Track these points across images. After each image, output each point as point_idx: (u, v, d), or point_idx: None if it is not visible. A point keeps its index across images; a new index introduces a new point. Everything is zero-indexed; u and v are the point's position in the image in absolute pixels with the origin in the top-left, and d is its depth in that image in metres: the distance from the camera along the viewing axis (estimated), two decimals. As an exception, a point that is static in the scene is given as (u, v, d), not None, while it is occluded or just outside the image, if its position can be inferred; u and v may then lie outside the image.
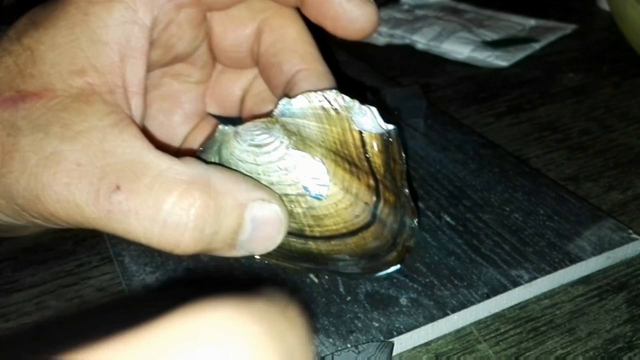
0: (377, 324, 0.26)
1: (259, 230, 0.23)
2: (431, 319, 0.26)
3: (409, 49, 0.57)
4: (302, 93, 0.24)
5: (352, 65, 0.51)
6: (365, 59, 0.53)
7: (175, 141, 0.30)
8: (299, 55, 0.27)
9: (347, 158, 0.25)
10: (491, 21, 0.60)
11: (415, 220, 0.26)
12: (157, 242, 0.21)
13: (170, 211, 0.21)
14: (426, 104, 0.42)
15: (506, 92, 0.48)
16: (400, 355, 0.26)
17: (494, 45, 0.55)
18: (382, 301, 0.27)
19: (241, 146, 0.24)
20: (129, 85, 0.24)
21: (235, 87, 0.30)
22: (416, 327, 0.26)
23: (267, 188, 0.23)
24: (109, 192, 0.21)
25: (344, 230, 0.26)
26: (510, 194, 0.34)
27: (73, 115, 0.22)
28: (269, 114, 0.25)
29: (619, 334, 0.26)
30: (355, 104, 0.24)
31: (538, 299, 0.28)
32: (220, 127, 0.24)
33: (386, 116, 0.24)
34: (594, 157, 0.39)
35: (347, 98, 0.24)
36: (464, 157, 0.38)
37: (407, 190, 0.25)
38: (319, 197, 0.25)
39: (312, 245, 0.26)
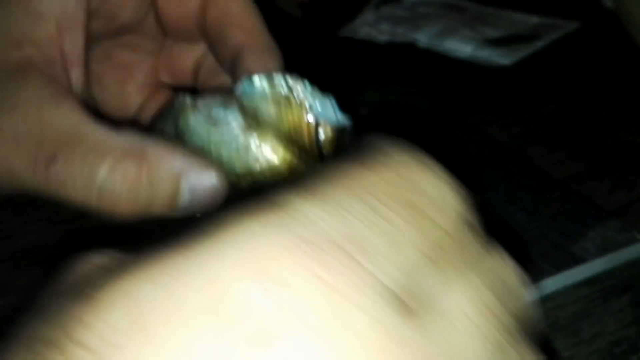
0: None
1: (197, 197, 0.24)
2: (433, 321, 0.26)
3: (410, 47, 0.56)
4: (265, 74, 0.24)
5: (353, 64, 0.51)
6: (367, 57, 0.53)
7: (130, 110, 0.30)
8: (244, 29, 0.28)
9: (298, 143, 0.25)
10: (494, 19, 0.60)
11: None
12: (96, 208, 0.22)
13: (104, 180, 0.22)
14: (427, 103, 0.42)
15: (509, 91, 0.48)
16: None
17: (496, 43, 0.55)
18: None
19: (197, 118, 0.25)
20: (68, 57, 0.24)
21: (188, 58, 0.31)
22: (418, 329, 0.26)
23: (205, 158, 0.24)
24: (47, 162, 0.22)
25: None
26: (514, 194, 0.34)
27: (11, 87, 0.23)
28: (229, 91, 0.25)
29: (624, 336, 0.26)
30: (315, 92, 0.24)
31: (542, 300, 0.28)
32: (181, 97, 0.25)
33: (343, 107, 0.25)
34: (598, 156, 0.39)
35: (307, 85, 0.24)
36: (467, 156, 0.37)
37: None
38: (264, 177, 0.25)
39: None
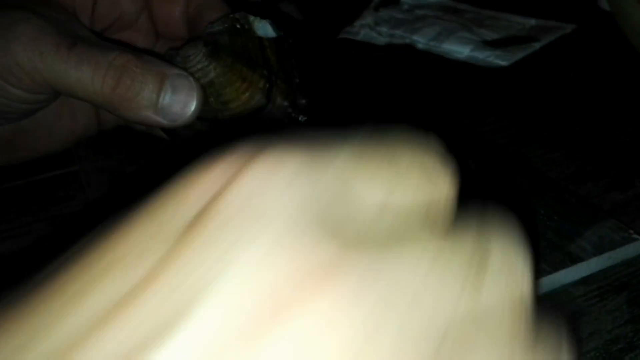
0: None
1: (177, 94, 0.29)
2: (432, 319, 0.26)
3: (409, 49, 0.56)
4: (220, 19, 0.32)
5: (352, 66, 0.51)
6: (366, 59, 0.53)
7: None
8: (216, 10, 0.33)
9: (247, 57, 0.32)
10: (491, 21, 0.60)
11: (304, 100, 0.33)
12: (101, 89, 0.28)
13: (112, 63, 0.28)
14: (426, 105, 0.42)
15: (506, 92, 0.48)
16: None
17: (494, 44, 0.55)
18: None
19: (176, 62, 0.31)
20: (79, 6, 0.31)
21: (175, 10, 0.36)
22: (417, 327, 0.26)
23: (185, 71, 0.30)
24: (68, 46, 0.28)
25: (245, 112, 0.32)
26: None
27: (39, 6, 0.29)
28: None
29: (620, 335, 0.26)
30: (256, 19, 0.32)
31: (539, 299, 0.28)
32: (168, 53, 0.32)
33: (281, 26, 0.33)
34: (594, 157, 0.39)
35: (250, 16, 0.32)
36: (464, 156, 0.38)
37: (297, 80, 0.32)
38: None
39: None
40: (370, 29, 0.59)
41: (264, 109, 0.32)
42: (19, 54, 0.28)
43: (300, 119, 0.33)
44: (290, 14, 0.64)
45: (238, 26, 0.32)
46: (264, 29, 0.32)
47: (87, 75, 0.28)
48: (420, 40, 0.57)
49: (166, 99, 0.28)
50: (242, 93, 0.32)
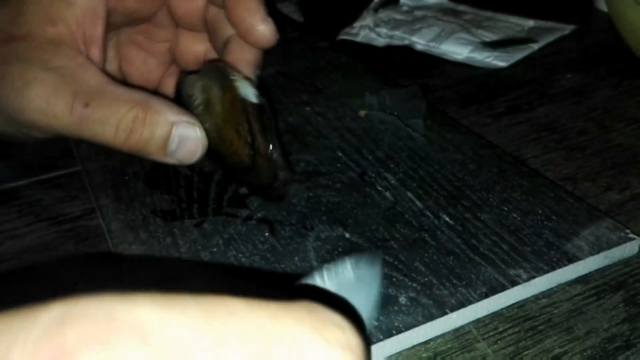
0: (376, 323, 0.26)
1: (184, 143, 0.31)
2: (430, 317, 0.26)
3: (408, 50, 0.57)
4: (215, 65, 0.33)
5: (352, 67, 0.51)
6: (365, 60, 0.54)
7: (152, 83, 0.39)
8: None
9: (234, 119, 0.32)
10: (490, 22, 0.60)
11: (284, 173, 0.32)
12: (113, 142, 0.30)
13: (122, 119, 0.30)
14: (425, 105, 0.42)
15: (505, 93, 0.48)
16: (399, 353, 0.26)
17: (492, 45, 0.55)
18: (381, 300, 0.27)
19: (183, 91, 0.34)
20: (89, 38, 0.32)
21: (197, 48, 0.38)
22: (415, 325, 0.26)
23: (193, 116, 0.32)
24: (80, 107, 0.29)
25: (241, 167, 0.33)
26: (509, 194, 0.34)
27: (49, 54, 0.30)
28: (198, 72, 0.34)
29: (617, 333, 0.27)
30: (238, 77, 0.32)
31: (536, 298, 0.29)
32: (181, 76, 0.34)
33: (261, 90, 0.32)
34: (591, 157, 0.40)
35: (234, 73, 0.32)
36: (463, 157, 0.38)
37: (275, 155, 0.32)
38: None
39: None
40: (370, 30, 0.60)
41: (250, 172, 0.33)
42: (34, 116, 0.30)
43: (280, 192, 0.33)
44: (290, 15, 0.64)
45: (231, 78, 0.32)
46: (244, 90, 0.32)
47: (99, 132, 0.30)
48: (420, 42, 0.57)
49: (173, 147, 0.31)
50: (232, 154, 0.32)
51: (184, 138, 0.30)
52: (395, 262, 0.30)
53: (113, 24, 0.34)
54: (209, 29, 0.37)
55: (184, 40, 0.38)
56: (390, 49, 0.57)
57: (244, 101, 0.31)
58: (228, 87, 0.32)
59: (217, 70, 0.33)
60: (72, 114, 0.29)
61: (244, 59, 0.35)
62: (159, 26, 0.37)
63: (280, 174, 0.32)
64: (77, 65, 0.31)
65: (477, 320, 0.28)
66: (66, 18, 0.31)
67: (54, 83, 0.30)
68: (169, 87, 0.38)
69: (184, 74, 0.34)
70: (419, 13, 0.63)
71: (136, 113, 0.30)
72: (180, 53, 0.39)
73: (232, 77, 0.32)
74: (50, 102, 0.29)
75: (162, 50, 0.38)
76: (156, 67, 0.38)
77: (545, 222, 0.32)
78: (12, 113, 0.30)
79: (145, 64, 0.38)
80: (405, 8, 0.64)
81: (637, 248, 0.31)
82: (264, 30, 0.33)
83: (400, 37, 0.58)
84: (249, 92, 0.32)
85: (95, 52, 0.32)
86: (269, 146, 0.32)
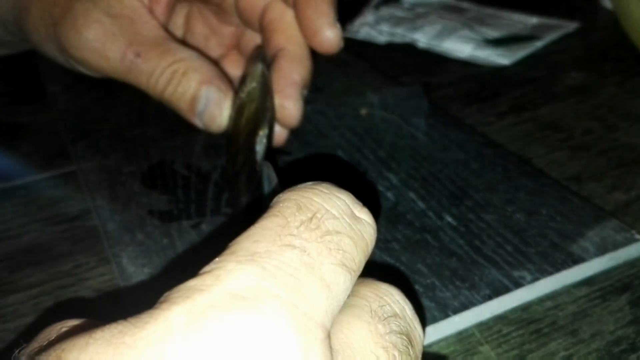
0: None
1: (209, 104, 0.32)
2: (432, 320, 0.26)
3: (410, 48, 0.56)
4: (261, 67, 0.34)
5: (353, 65, 0.51)
6: (366, 58, 0.53)
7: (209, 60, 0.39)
8: (287, 35, 0.34)
9: (247, 135, 0.32)
10: (493, 19, 0.60)
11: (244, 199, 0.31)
12: (152, 91, 0.33)
13: (164, 71, 0.32)
14: (427, 104, 0.42)
15: (508, 91, 0.48)
16: (401, 357, 0.26)
17: (495, 43, 0.55)
18: None
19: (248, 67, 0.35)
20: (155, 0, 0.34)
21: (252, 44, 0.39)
22: (417, 329, 0.26)
23: (228, 84, 0.33)
24: (132, 56, 0.32)
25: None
26: (513, 194, 0.34)
27: (114, 2, 0.33)
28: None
29: (622, 336, 0.26)
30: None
31: (540, 300, 0.28)
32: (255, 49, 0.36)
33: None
34: (597, 157, 0.39)
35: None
36: (466, 157, 0.37)
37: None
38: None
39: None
40: (371, 28, 0.59)
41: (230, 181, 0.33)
42: (88, 55, 0.32)
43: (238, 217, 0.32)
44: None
45: (266, 85, 0.33)
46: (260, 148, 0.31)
47: (143, 81, 0.33)
48: (421, 39, 0.56)
49: (201, 107, 0.32)
50: (232, 154, 0.33)
51: (209, 100, 0.32)
52: (397, 264, 0.29)
53: None
54: (263, 33, 0.36)
55: (246, 36, 0.39)
56: (391, 47, 0.57)
57: (251, 151, 0.31)
58: (265, 93, 0.33)
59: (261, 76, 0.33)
60: (122, 61, 0.32)
61: (290, 78, 0.34)
62: (225, 10, 0.37)
63: (241, 200, 0.31)
64: (138, 16, 0.33)
65: (481, 323, 0.27)
66: None
67: (113, 28, 0.32)
68: (226, 70, 0.39)
69: (261, 50, 0.35)
70: (420, 10, 0.62)
71: (177, 67, 0.32)
72: (244, 42, 0.39)
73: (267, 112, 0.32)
74: (106, 46, 0.32)
75: (226, 34, 0.38)
76: (216, 47, 0.38)
77: (550, 223, 0.31)
78: (68, 47, 0.33)
79: (207, 40, 0.38)
80: (406, 5, 0.64)
81: (643, 249, 0.30)
82: (329, 35, 0.32)
83: (401, 34, 0.58)
84: (260, 150, 0.31)
85: (159, 11, 0.34)
86: (245, 190, 0.31)
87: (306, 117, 0.42)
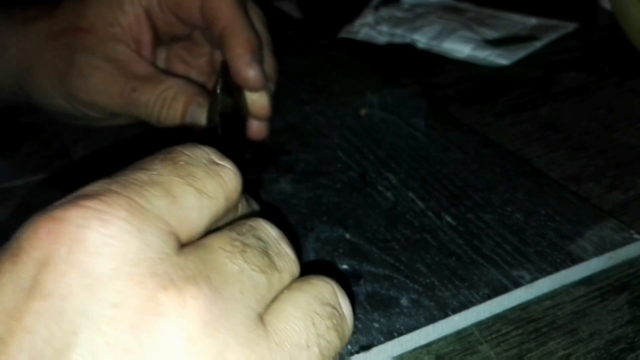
0: (377, 325, 0.26)
1: (194, 117, 0.36)
2: (432, 319, 0.26)
3: (409, 48, 0.56)
4: (221, 63, 0.38)
5: (352, 65, 0.51)
6: (366, 58, 0.53)
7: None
8: (223, 16, 0.37)
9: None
10: (492, 20, 0.60)
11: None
12: (150, 119, 0.37)
13: (157, 100, 0.37)
14: (427, 104, 0.42)
15: (507, 91, 0.48)
16: (401, 356, 0.26)
17: (495, 43, 0.55)
18: (382, 302, 0.27)
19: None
20: (140, 42, 0.38)
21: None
22: (417, 328, 0.26)
23: (206, 96, 0.37)
24: (129, 92, 0.37)
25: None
26: (512, 194, 0.34)
27: (109, 48, 0.37)
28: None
29: (621, 335, 0.26)
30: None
31: (539, 299, 0.28)
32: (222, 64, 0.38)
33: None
34: (595, 157, 0.39)
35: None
36: (465, 157, 0.37)
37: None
38: None
39: None
40: (371, 28, 0.59)
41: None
42: (94, 97, 0.37)
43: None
44: (289, 12, 0.64)
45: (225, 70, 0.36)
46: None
47: (142, 112, 0.37)
48: (421, 39, 0.56)
49: (188, 121, 0.37)
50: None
51: (193, 114, 0.36)
52: (397, 264, 0.29)
53: (160, 40, 0.40)
54: (210, 29, 0.39)
55: (219, 53, 0.42)
56: (391, 47, 0.57)
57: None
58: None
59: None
60: (122, 96, 0.36)
61: (235, 49, 0.38)
62: (197, 44, 0.42)
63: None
64: (130, 59, 0.38)
65: (480, 322, 0.27)
66: (121, 22, 0.38)
67: (111, 71, 0.37)
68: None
69: (224, 64, 0.39)
70: (420, 11, 0.62)
71: (166, 94, 0.36)
72: (217, 65, 0.43)
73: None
74: (108, 87, 0.37)
75: (201, 64, 0.43)
76: (197, 77, 0.43)
77: (549, 223, 0.31)
78: (77, 92, 0.37)
79: (188, 75, 0.43)
80: (406, 6, 0.64)
81: (642, 249, 0.31)
82: (248, 74, 0.36)
83: (401, 35, 0.58)
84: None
85: (146, 53, 0.39)
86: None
87: (306, 117, 0.43)
